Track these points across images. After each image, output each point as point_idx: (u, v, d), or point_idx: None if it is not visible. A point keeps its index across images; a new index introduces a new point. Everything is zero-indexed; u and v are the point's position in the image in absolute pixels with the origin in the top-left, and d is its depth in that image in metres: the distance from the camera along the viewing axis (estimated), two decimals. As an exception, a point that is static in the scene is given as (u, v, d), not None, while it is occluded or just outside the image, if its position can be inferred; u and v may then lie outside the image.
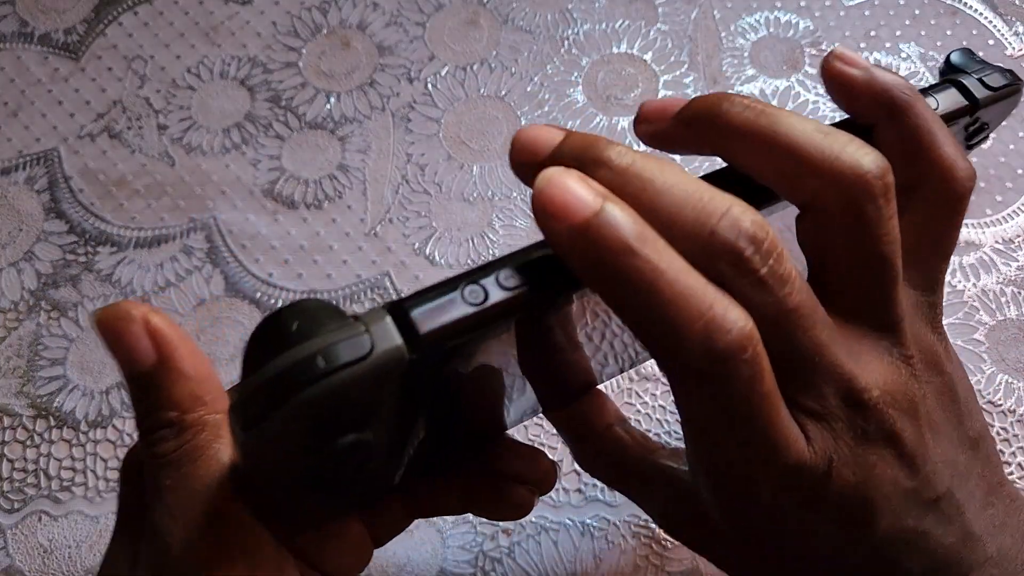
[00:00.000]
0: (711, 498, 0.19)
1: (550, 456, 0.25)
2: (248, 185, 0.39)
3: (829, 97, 0.21)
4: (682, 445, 0.20)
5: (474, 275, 0.16)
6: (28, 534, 0.32)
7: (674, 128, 0.19)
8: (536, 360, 0.21)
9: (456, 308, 0.15)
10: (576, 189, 0.15)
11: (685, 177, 0.17)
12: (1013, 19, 0.43)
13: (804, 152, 0.17)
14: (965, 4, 0.44)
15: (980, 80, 0.21)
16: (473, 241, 0.38)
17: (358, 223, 0.38)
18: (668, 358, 0.16)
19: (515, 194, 0.39)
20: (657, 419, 0.34)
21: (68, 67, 0.42)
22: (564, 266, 0.16)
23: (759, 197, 0.18)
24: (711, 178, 0.18)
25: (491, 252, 0.38)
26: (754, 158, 0.18)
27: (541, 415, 0.29)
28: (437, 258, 0.38)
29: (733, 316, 0.15)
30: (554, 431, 0.30)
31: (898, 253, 0.18)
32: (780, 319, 0.17)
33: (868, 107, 0.20)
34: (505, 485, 0.24)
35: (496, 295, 0.16)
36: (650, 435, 0.27)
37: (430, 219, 0.38)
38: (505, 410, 0.24)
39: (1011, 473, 0.33)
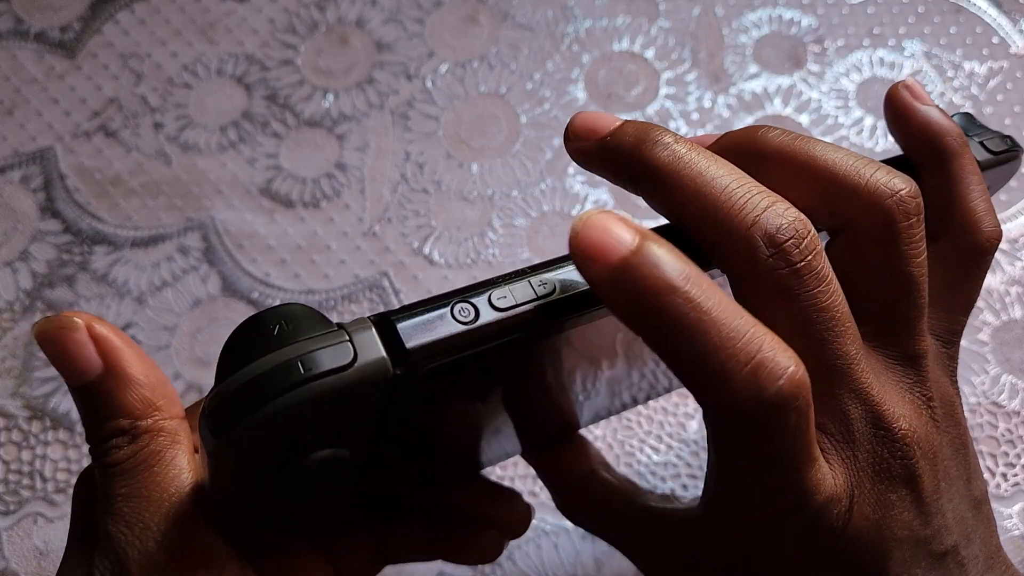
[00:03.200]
0: (722, 541, 0.18)
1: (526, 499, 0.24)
2: (245, 184, 0.39)
3: (886, 126, 0.21)
4: (672, 489, 0.19)
5: (466, 292, 0.15)
6: (23, 536, 0.32)
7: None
8: (520, 394, 0.20)
9: (444, 325, 0.15)
10: (614, 228, 0.15)
11: (737, 171, 0.17)
12: (1017, 16, 0.43)
13: (840, 171, 0.17)
14: (969, 1, 0.43)
15: (982, 144, 0.22)
16: (473, 240, 0.38)
17: (356, 222, 0.38)
18: (713, 404, 0.15)
19: (515, 193, 0.39)
20: (651, 446, 0.34)
21: (64, 65, 0.42)
22: (558, 294, 0.16)
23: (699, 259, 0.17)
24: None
25: (491, 252, 0.37)
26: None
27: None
28: (436, 257, 0.37)
29: (783, 360, 0.15)
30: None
31: (925, 278, 0.18)
32: (813, 319, 0.16)
33: (920, 146, 0.20)
34: (475, 528, 0.23)
35: (487, 315, 0.15)
36: (643, 469, 0.27)
37: (429, 218, 0.38)
38: (482, 448, 0.23)
39: (1017, 475, 0.33)
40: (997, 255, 0.37)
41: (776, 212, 0.16)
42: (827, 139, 0.40)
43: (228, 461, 0.15)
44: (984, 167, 0.21)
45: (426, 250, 0.37)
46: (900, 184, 0.17)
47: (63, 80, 0.41)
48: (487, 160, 0.39)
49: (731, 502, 0.17)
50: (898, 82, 0.21)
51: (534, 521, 0.32)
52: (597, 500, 0.23)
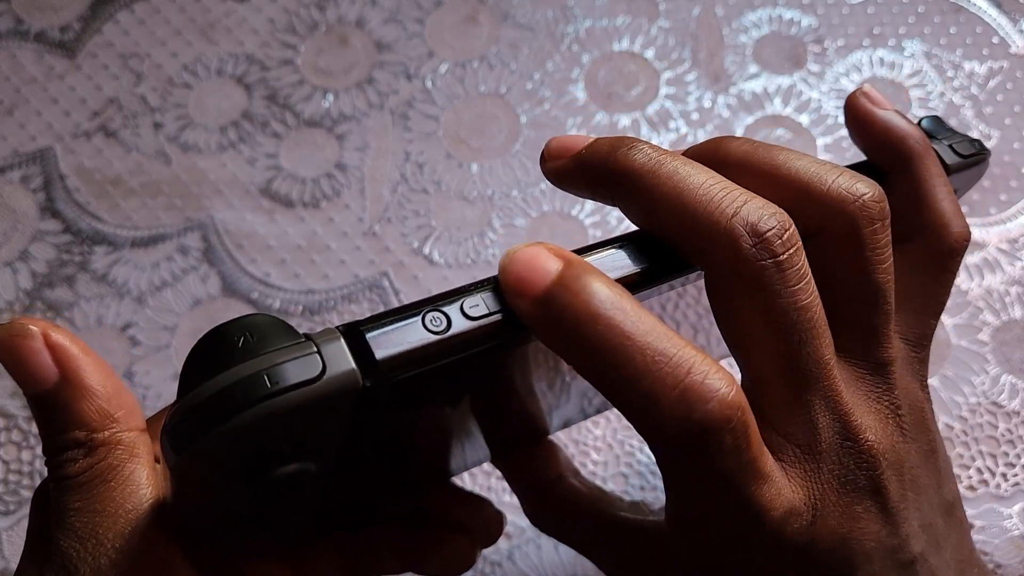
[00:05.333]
0: (687, 558, 0.18)
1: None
2: (245, 184, 0.39)
3: (847, 133, 0.21)
4: (644, 497, 0.19)
5: (437, 301, 0.15)
6: (23, 536, 0.32)
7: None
8: (491, 401, 0.20)
9: (415, 335, 0.15)
10: (538, 260, 0.15)
11: (712, 172, 0.17)
12: (1017, 16, 0.43)
13: (802, 178, 0.17)
14: (969, 1, 0.43)
15: (951, 147, 0.22)
16: (472, 240, 0.38)
17: (356, 222, 0.38)
18: (646, 429, 0.15)
19: (515, 192, 0.39)
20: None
21: (64, 65, 0.42)
22: None
23: (667, 267, 0.17)
24: (618, 240, 0.17)
25: (491, 252, 0.37)
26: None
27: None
28: (436, 257, 0.37)
29: (713, 383, 0.15)
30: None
31: (892, 284, 0.18)
32: (792, 319, 0.16)
33: (883, 150, 0.20)
34: (444, 535, 0.22)
35: (459, 324, 0.15)
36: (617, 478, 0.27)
37: (429, 218, 0.38)
38: (454, 455, 0.22)
39: (1017, 475, 0.33)
40: (996, 254, 0.37)
41: (756, 205, 0.16)
42: (827, 139, 0.40)
43: (191, 477, 0.15)
44: (954, 170, 0.22)
45: (426, 250, 0.37)
46: (863, 189, 0.17)
47: (63, 80, 0.41)
48: (487, 160, 0.39)
49: (689, 521, 0.17)
50: (855, 90, 0.21)
51: (534, 521, 0.32)
52: (564, 506, 0.23)
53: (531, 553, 0.31)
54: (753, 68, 0.42)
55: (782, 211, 0.16)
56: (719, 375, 0.15)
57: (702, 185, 0.16)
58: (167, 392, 0.35)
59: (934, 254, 0.20)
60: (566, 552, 0.31)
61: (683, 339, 0.15)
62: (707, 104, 0.41)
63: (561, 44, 0.42)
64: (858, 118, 0.21)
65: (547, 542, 0.32)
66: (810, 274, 0.16)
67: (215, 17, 0.43)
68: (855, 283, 0.18)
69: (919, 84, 0.41)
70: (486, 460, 0.25)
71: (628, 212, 0.17)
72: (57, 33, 0.42)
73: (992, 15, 0.43)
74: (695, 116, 0.41)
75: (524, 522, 0.32)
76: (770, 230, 0.16)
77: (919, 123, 0.24)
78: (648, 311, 0.15)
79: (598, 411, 0.27)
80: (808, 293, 0.16)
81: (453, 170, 0.39)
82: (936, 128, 0.23)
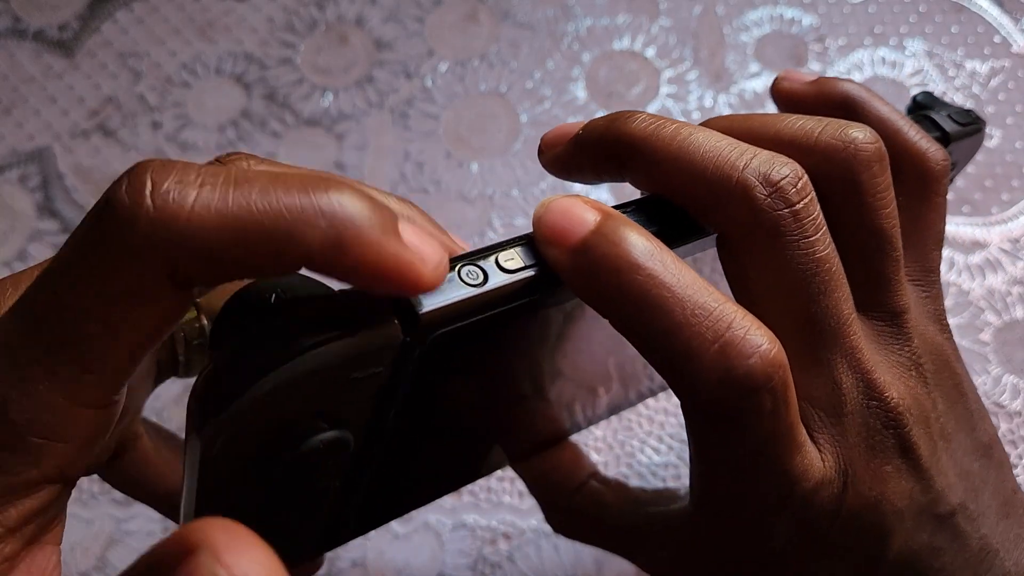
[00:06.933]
0: (714, 536, 0.18)
1: None
2: (244, 183, 0.39)
3: None
4: (663, 484, 0.19)
5: (471, 256, 0.15)
6: None
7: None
8: (522, 374, 0.19)
9: (453, 289, 0.14)
10: (575, 210, 0.15)
11: (716, 132, 0.16)
12: (1019, 15, 0.43)
13: (786, 137, 0.17)
14: (971, 0, 0.43)
15: (948, 116, 0.22)
16: (473, 240, 0.37)
17: (356, 222, 0.38)
18: (682, 387, 0.15)
19: (515, 192, 0.38)
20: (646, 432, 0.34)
21: (62, 64, 0.42)
22: None
23: (682, 231, 0.17)
24: (624, 208, 0.17)
25: (491, 251, 0.37)
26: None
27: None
28: (436, 257, 0.37)
29: (755, 338, 0.14)
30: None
31: (897, 228, 0.17)
32: (810, 271, 0.16)
33: (831, 111, 0.20)
34: None
35: (497, 278, 0.15)
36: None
37: (429, 218, 0.38)
38: (479, 445, 0.22)
39: (1018, 475, 0.33)
40: (998, 254, 0.37)
41: (766, 157, 0.16)
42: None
43: (219, 447, 0.13)
44: (954, 138, 0.21)
45: (426, 250, 0.37)
46: (853, 133, 0.17)
47: (61, 79, 0.41)
48: (487, 159, 0.39)
49: (717, 496, 0.17)
50: (774, 80, 0.21)
51: (534, 522, 0.32)
52: (589, 514, 0.23)
53: (531, 554, 0.31)
54: (754, 67, 0.42)
55: (792, 161, 0.16)
56: (761, 331, 0.14)
57: (707, 141, 0.16)
58: (163, 389, 0.34)
59: (918, 183, 0.19)
60: (566, 552, 0.31)
61: (724, 295, 0.15)
62: (708, 103, 0.41)
63: (561, 43, 0.42)
64: (790, 98, 0.20)
65: (547, 543, 0.31)
66: (825, 225, 0.16)
67: (214, 16, 0.43)
68: (860, 231, 0.17)
69: (921, 83, 0.41)
70: (506, 464, 0.24)
71: (635, 180, 0.17)
72: (55, 32, 0.42)
73: (994, 14, 0.43)
74: (696, 115, 0.40)
75: (524, 523, 0.32)
76: (784, 179, 0.15)
77: (914, 99, 0.24)
78: (687, 265, 0.15)
79: (631, 403, 0.27)
80: (825, 244, 0.16)
81: (453, 169, 0.39)
82: (931, 100, 0.23)
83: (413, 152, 0.39)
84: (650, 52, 0.42)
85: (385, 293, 0.13)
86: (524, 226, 0.38)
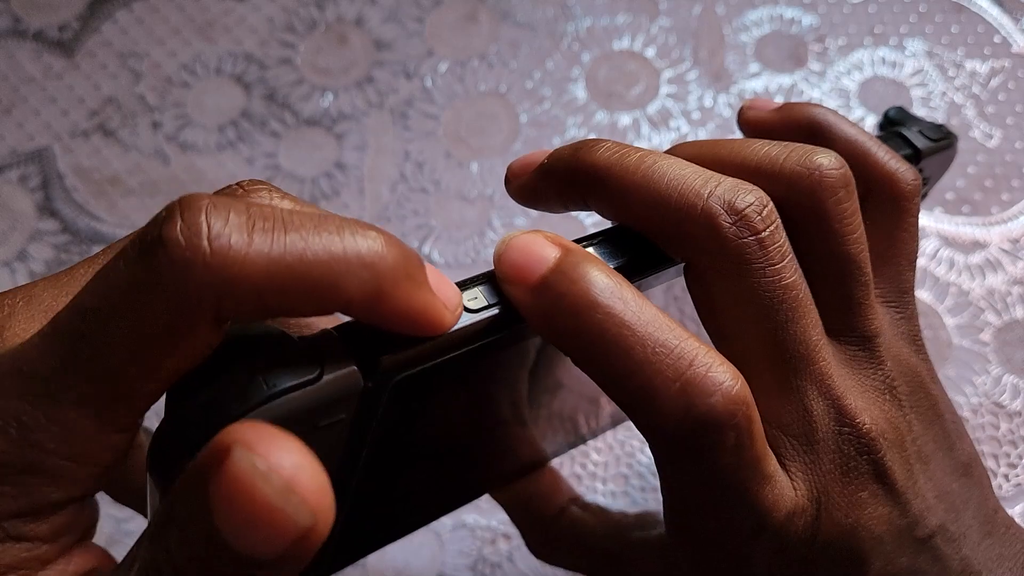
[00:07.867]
0: (694, 563, 0.18)
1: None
2: (244, 183, 0.39)
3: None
4: (644, 498, 0.19)
5: None
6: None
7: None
8: (493, 410, 0.19)
9: None
10: (535, 248, 0.15)
11: (681, 160, 0.16)
12: (1019, 15, 0.43)
13: (752, 164, 0.17)
14: (971, 0, 0.43)
15: (919, 132, 0.22)
16: (472, 240, 0.37)
17: (356, 222, 0.38)
18: (645, 425, 0.15)
19: (515, 192, 0.38)
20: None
21: (62, 64, 0.42)
22: None
23: (648, 262, 0.16)
24: (597, 236, 0.17)
25: (490, 251, 0.37)
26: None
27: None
28: (436, 257, 0.37)
29: (717, 375, 0.14)
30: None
31: (866, 253, 0.17)
32: (777, 298, 0.16)
33: (798, 136, 0.20)
34: None
35: (461, 318, 0.14)
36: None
37: (428, 217, 0.38)
38: (445, 483, 0.21)
39: (1019, 476, 0.33)
40: (998, 254, 0.37)
41: (730, 185, 0.16)
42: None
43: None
44: (925, 154, 0.22)
45: (426, 250, 0.37)
46: (818, 160, 0.17)
47: (61, 79, 0.41)
48: (487, 159, 0.39)
49: (690, 528, 0.17)
50: (740, 107, 0.21)
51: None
52: (569, 540, 0.22)
53: (531, 554, 0.31)
54: (754, 67, 0.42)
55: (758, 188, 0.16)
56: (723, 368, 0.14)
57: (672, 170, 0.16)
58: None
59: (889, 205, 0.19)
60: (566, 553, 0.31)
61: (686, 331, 0.14)
62: (708, 103, 0.41)
63: (561, 43, 0.42)
64: (756, 125, 0.20)
65: (547, 543, 0.31)
66: (792, 252, 0.16)
67: (214, 16, 0.43)
68: (828, 257, 0.17)
69: (920, 83, 0.41)
70: (483, 493, 0.24)
71: (601, 210, 0.17)
72: (55, 32, 0.42)
73: (994, 14, 0.43)
74: (696, 115, 0.41)
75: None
76: (748, 206, 0.15)
77: (885, 114, 0.24)
78: (649, 301, 0.15)
79: (598, 433, 0.27)
80: (792, 271, 0.16)
81: (453, 169, 0.39)
82: (903, 116, 0.23)
83: (413, 152, 0.39)
84: (650, 52, 0.42)
85: (408, 333, 0.14)
86: (524, 226, 0.38)
